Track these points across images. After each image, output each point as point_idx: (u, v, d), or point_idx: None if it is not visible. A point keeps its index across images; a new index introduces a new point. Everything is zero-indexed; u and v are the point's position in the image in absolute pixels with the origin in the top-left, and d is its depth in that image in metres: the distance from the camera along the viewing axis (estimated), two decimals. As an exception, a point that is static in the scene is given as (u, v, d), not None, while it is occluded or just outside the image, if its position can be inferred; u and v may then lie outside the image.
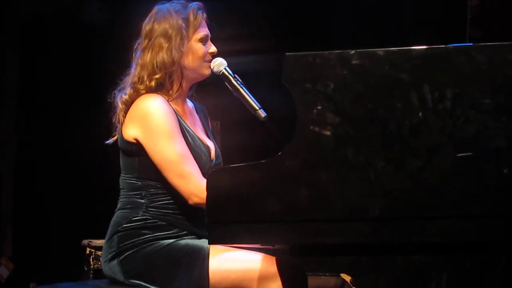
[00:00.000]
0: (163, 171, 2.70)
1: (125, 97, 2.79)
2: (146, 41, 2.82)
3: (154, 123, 2.71)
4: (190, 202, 2.68)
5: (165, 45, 2.79)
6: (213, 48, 2.87)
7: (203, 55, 2.85)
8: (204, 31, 2.86)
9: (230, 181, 2.19)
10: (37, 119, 5.34)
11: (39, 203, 5.27)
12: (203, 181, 2.62)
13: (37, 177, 5.30)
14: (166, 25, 2.80)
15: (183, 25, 2.80)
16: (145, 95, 2.77)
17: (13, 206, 5.31)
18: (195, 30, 2.83)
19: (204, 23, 2.87)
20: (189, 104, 2.98)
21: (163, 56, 2.78)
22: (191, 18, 2.82)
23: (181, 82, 2.83)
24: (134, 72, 2.82)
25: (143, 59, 2.80)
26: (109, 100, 2.85)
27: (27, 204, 5.28)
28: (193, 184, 2.67)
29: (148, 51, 2.81)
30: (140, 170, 2.76)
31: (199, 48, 2.84)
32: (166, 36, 2.79)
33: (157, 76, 2.78)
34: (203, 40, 2.85)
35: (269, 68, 4.13)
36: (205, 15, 2.88)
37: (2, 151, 5.33)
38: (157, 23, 2.82)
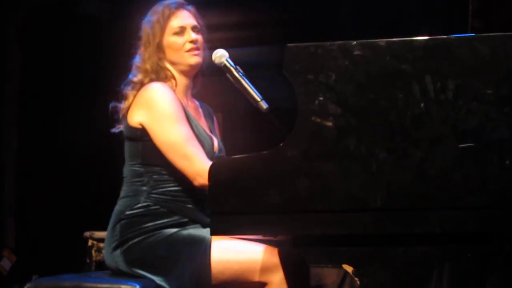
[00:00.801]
0: (167, 154, 2.72)
1: (130, 88, 2.86)
2: (138, 43, 2.94)
3: (158, 106, 2.75)
4: (196, 183, 2.69)
5: (143, 49, 2.90)
6: (190, 37, 2.89)
7: (180, 46, 2.89)
8: (176, 23, 2.90)
9: (232, 172, 2.19)
10: (39, 111, 5.34)
11: (41, 195, 5.27)
12: (208, 163, 2.64)
13: (39, 169, 5.31)
14: (145, 28, 2.92)
15: (151, 28, 2.90)
16: (151, 83, 2.83)
17: (15, 198, 5.32)
18: (165, 25, 2.89)
19: (179, 15, 2.92)
20: (195, 101, 3.01)
21: (145, 59, 2.88)
22: (161, 15, 2.90)
23: (174, 78, 2.89)
24: (133, 72, 2.91)
25: (136, 64, 2.91)
26: (117, 89, 2.89)
27: (29, 196, 5.29)
28: (198, 165, 2.68)
29: (138, 53, 2.92)
30: (144, 155, 2.78)
31: (173, 41, 2.89)
32: (144, 40, 2.91)
33: (150, 76, 2.86)
34: (177, 32, 2.89)
35: (270, 59, 4.14)
36: (188, 7, 2.95)
37: (4, 143, 5.34)
38: (142, 27, 2.93)
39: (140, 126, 2.78)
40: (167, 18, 2.89)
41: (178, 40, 2.89)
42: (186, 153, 2.71)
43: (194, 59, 2.89)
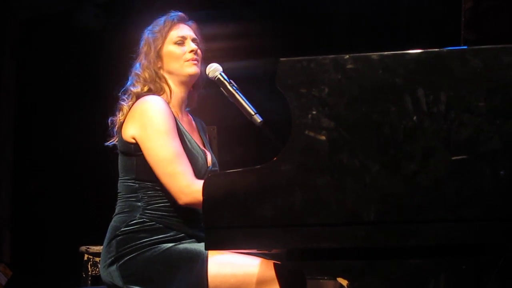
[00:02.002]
0: (155, 170, 2.72)
1: (125, 101, 2.87)
2: (138, 52, 2.97)
3: (150, 120, 2.74)
4: (180, 202, 2.69)
5: (143, 56, 2.92)
6: (191, 47, 2.91)
7: (180, 55, 2.91)
8: (178, 33, 2.93)
9: (226, 186, 2.19)
10: (35, 124, 5.35)
11: (37, 209, 5.27)
12: (194, 181, 2.66)
13: (35, 183, 5.30)
14: (146, 37, 2.95)
15: (153, 35, 2.92)
16: (146, 96, 2.83)
17: (11, 213, 5.31)
18: (167, 35, 2.92)
19: (181, 26, 2.95)
20: (189, 115, 3.01)
21: (144, 67, 2.90)
22: (161, 26, 2.94)
23: (170, 88, 2.90)
24: (129, 83, 2.92)
25: (135, 71, 2.92)
26: (114, 103, 2.90)
27: (25, 211, 5.29)
28: (182, 183, 2.68)
29: (137, 62, 2.94)
30: (138, 170, 2.77)
31: (173, 49, 2.91)
32: (144, 49, 2.94)
33: (148, 85, 2.88)
34: (178, 42, 2.92)
35: (264, 73, 4.15)
36: (188, 22, 2.99)
37: (0, 157, 5.34)
38: (144, 36, 2.96)
39: (133, 140, 2.78)
40: (168, 28, 2.92)
41: (178, 49, 2.91)
42: (172, 171, 2.70)
43: (193, 69, 2.89)
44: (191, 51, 2.90)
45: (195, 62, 2.90)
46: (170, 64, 2.90)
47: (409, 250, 2.12)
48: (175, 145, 2.74)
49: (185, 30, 2.95)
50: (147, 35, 2.95)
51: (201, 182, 2.65)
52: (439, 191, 2.08)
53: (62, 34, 5.32)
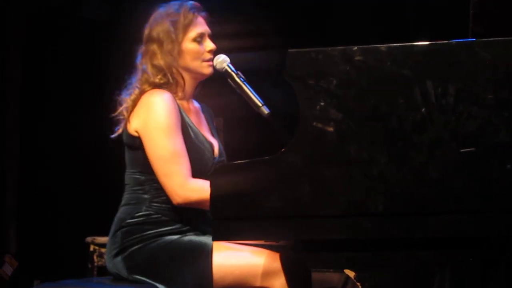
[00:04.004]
0: (153, 167, 2.72)
1: (133, 92, 2.81)
2: (144, 46, 2.88)
3: (153, 116, 2.72)
4: (174, 202, 2.69)
5: (158, 50, 2.83)
6: (210, 46, 2.87)
7: (199, 54, 2.85)
8: (197, 29, 2.86)
9: (234, 178, 2.19)
10: (41, 117, 5.35)
11: (43, 200, 5.28)
12: (190, 182, 2.66)
13: (41, 174, 5.31)
14: (158, 29, 2.84)
15: (172, 28, 2.83)
16: (153, 90, 2.79)
17: (17, 204, 5.32)
18: (187, 30, 2.84)
19: (199, 21, 2.88)
20: (196, 104, 2.99)
21: (157, 61, 2.82)
22: (182, 19, 2.84)
23: (183, 83, 2.85)
24: (137, 75, 2.85)
25: (142, 64, 2.85)
26: (115, 97, 2.86)
27: (31, 202, 5.29)
28: (177, 183, 2.67)
29: (145, 56, 2.86)
30: (144, 164, 2.76)
31: (193, 47, 2.85)
32: (158, 41, 2.84)
33: (156, 80, 2.81)
34: (197, 39, 2.85)
35: (272, 64, 4.14)
36: (202, 13, 2.90)
37: (6, 148, 5.34)
38: (152, 28, 2.86)
39: (137, 134, 2.76)
40: (188, 22, 2.84)
41: (198, 48, 2.85)
42: (167, 170, 2.69)
43: (210, 70, 2.86)
44: (210, 50, 2.87)
45: (211, 62, 2.87)
46: (188, 61, 2.84)
47: (416, 242, 2.12)
48: (174, 143, 2.71)
49: (203, 25, 2.88)
50: (162, 25, 2.84)
51: (196, 181, 2.68)
52: (446, 183, 2.08)
53: (69, 26, 5.32)
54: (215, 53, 2.88)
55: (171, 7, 2.87)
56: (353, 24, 4.65)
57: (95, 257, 3.95)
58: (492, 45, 2.11)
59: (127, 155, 2.84)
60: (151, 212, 2.75)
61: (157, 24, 2.86)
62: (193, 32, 2.85)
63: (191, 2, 2.89)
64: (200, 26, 2.87)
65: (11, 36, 5.37)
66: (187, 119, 2.82)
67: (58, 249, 5.12)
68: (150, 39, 2.86)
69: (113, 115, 2.85)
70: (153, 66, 2.83)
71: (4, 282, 5.02)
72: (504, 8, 2.55)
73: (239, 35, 4.68)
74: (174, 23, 2.83)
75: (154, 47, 2.84)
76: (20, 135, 5.39)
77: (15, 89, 5.40)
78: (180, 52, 2.83)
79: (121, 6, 5.13)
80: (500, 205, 2.08)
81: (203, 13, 2.92)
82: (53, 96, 5.33)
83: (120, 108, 2.82)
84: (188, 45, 2.84)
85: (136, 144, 2.77)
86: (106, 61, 5.11)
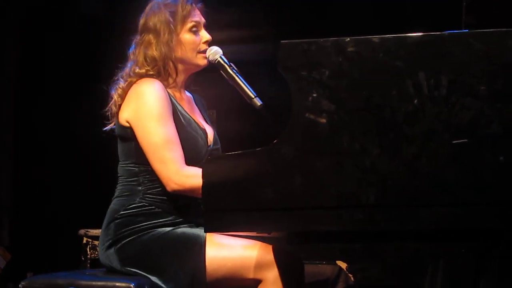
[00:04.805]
0: (146, 155, 2.71)
1: (122, 85, 2.80)
2: (139, 36, 2.86)
3: (144, 105, 2.72)
4: (168, 188, 2.68)
5: (154, 40, 2.81)
6: (206, 37, 2.86)
7: (195, 45, 2.85)
8: (193, 20, 2.85)
9: (226, 169, 2.19)
10: (35, 111, 5.34)
11: (36, 193, 5.27)
12: (184, 168, 2.65)
13: (35, 167, 5.30)
14: (155, 20, 2.82)
15: (171, 18, 2.81)
16: (142, 79, 2.78)
17: (10, 196, 5.32)
18: (184, 20, 2.83)
19: (195, 12, 2.87)
20: (188, 94, 2.98)
21: (152, 52, 2.81)
22: (179, 9, 2.83)
23: (176, 74, 2.84)
24: (129, 66, 2.84)
25: (135, 54, 2.84)
26: (105, 89, 2.85)
27: (24, 195, 5.29)
28: (172, 170, 2.67)
29: (140, 46, 2.84)
30: (137, 155, 2.76)
31: (189, 38, 2.84)
32: (155, 32, 2.82)
33: (149, 70, 2.80)
34: (193, 30, 2.84)
35: (264, 56, 4.14)
36: (198, 4, 2.90)
37: (1, 142, 5.34)
38: (148, 18, 2.84)
39: (128, 124, 2.75)
40: (186, 14, 2.83)
41: (194, 38, 2.83)
42: (162, 157, 2.68)
43: (205, 61, 2.85)
44: (206, 41, 2.86)
45: (206, 53, 2.86)
46: (183, 52, 2.83)
47: (408, 234, 2.12)
48: (167, 130, 2.71)
49: (200, 16, 2.87)
50: (166, 14, 2.81)
51: (190, 168, 2.67)
52: (439, 175, 2.08)
53: (65, 20, 5.31)
54: (210, 44, 2.87)
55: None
56: (349, 17, 4.65)
57: (88, 250, 3.95)
58: (485, 37, 2.11)
59: (120, 147, 2.83)
60: (145, 204, 2.74)
61: (154, 14, 2.84)
62: (189, 23, 2.84)
63: None
64: (196, 17, 2.87)
65: (7, 31, 5.36)
66: (178, 107, 2.81)
67: (51, 242, 5.12)
68: (146, 29, 2.84)
69: (105, 109, 2.84)
70: (146, 56, 2.81)
71: (-2, 274, 5.02)
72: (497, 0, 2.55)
73: (232, 25, 4.67)
74: (172, 14, 2.82)
75: (150, 37, 2.82)
76: (14, 129, 5.39)
77: (11, 83, 5.40)
78: (177, 43, 2.82)
79: (118, 0, 5.11)
80: (493, 197, 2.08)
81: (199, 4, 2.91)
82: (47, 90, 5.33)
83: (111, 101, 2.82)
84: (185, 35, 2.84)
85: (128, 134, 2.76)
86: (103, 56, 5.10)
